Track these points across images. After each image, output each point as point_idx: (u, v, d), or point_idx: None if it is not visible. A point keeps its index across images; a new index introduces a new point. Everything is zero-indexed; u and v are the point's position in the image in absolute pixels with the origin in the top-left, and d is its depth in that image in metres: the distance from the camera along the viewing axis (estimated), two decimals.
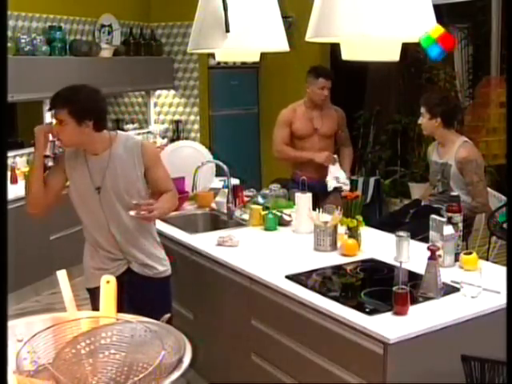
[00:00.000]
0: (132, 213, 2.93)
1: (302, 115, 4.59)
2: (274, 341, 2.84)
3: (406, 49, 2.65)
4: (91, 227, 3.08)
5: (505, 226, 4.32)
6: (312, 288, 2.72)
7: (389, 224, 3.94)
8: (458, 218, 3.01)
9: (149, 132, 7.51)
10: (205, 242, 3.45)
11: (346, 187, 4.41)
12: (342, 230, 3.27)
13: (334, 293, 2.71)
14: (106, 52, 6.47)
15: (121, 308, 2.05)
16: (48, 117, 6.06)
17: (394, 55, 2.59)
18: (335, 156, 4.55)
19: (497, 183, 5.70)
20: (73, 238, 5.49)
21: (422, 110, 4.13)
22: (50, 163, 5.77)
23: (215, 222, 4.06)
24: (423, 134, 5.15)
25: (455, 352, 2.28)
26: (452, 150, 4.05)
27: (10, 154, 5.50)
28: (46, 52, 5.69)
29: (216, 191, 4.27)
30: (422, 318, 2.39)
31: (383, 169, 7.46)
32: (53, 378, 1.47)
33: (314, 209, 3.44)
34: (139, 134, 7.16)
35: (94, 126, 2.88)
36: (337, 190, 4.53)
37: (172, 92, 7.52)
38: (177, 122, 7.50)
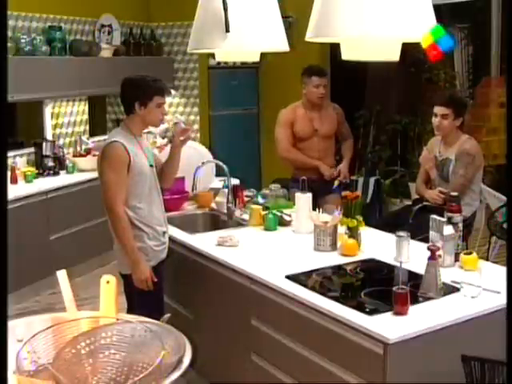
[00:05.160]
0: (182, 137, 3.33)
1: (302, 117, 4.58)
2: (273, 341, 2.84)
3: (406, 49, 2.64)
4: (154, 205, 3.19)
5: (505, 225, 4.32)
6: (312, 288, 2.72)
7: (390, 223, 3.94)
8: (458, 218, 3.01)
9: (149, 132, 7.49)
10: (205, 242, 3.45)
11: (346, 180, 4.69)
12: (342, 230, 3.27)
13: (334, 293, 2.72)
14: (106, 52, 6.46)
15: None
16: (48, 116, 6.07)
17: (393, 55, 2.59)
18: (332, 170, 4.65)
19: (497, 183, 5.70)
20: (73, 238, 5.50)
21: (447, 111, 3.96)
22: (51, 163, 5.78)
23: (215, 222, 4.06)
24: (423, 134, 5.15)
25: (455, 352, 2.28)
26: (455, 146, 4.04)
27: (10, 153, 5.49)
28: (45, 52, 5.68)
29: (216, 191, 4.27)
30: (422, 318, 2.39)
31: (383, 169, 7.46)
32: (53, 378, 1.47)
33: (313, 209, 3.44)
34: None
35: None
36: (336, 189, 4.56)
37: (172, 92, 7.51)
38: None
